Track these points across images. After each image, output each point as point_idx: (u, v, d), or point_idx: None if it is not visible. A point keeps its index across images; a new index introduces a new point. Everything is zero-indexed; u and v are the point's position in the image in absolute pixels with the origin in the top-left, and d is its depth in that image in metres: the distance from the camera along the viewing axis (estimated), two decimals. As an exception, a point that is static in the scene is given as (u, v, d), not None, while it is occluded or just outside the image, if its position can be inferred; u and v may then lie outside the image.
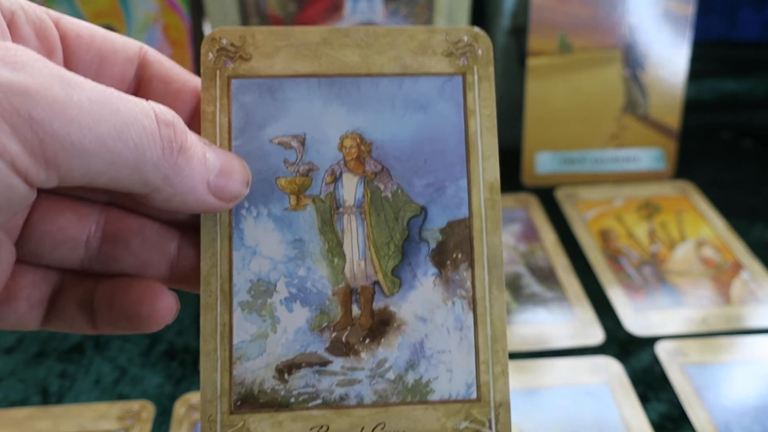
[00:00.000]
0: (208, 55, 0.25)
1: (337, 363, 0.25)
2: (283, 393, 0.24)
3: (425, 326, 0.25)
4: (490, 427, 0.25)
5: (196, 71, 0.27)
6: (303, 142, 0.25)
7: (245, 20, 0.61)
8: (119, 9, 0.60)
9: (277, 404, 0.24)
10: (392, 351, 0.25)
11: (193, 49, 0.62)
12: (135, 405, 0.44)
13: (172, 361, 0.48)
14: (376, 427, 0.25)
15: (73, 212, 0.24)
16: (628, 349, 0.48)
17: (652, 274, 0.56)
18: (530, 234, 0.60)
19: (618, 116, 0.67)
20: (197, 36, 0.63)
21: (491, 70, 0.26)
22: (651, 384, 0.46)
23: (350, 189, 0.25)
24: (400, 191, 0.25)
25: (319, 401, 0.24)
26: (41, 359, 0.48)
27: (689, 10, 0.64)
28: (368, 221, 0.25)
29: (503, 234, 0.60)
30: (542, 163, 0.67)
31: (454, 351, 0.25)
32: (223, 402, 0.24)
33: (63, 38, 0.23)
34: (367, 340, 0.25)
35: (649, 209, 0.64)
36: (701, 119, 0.77)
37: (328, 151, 0.25)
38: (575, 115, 0.66)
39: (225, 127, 0.25)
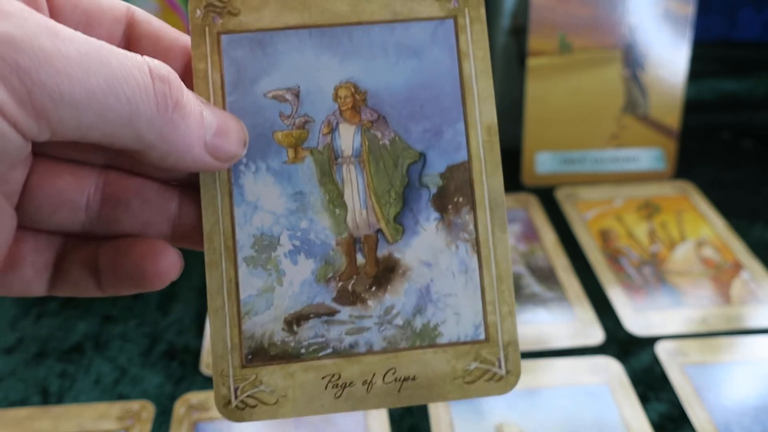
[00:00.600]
0: (195, 12, 0.25)
1: (345, 312, 0.25)
2: (293, 344, 0.24)
3: (430, 271, 0.25)
4: (499, 366, 0.25)
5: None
6: (297, 95, 0.25)
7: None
8: (119, 9, 0.60)
9: (288, 356, 0.24)
10: (399, 297, 0.25)
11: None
12: (135, 405, 0.44)
13: (172, 361, 0.48)
14: (386, 372, 0.25)
15: (70, 175, 0.24)
16: (628, 349, 0.48)
17: (652, 274, 0.56)
18: (530, 234, 0.60)
19: (618, 116, 0.67)
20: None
21: (482, 11, 0.25)
22: (651, 384, 0.46)
23: (347, 139, 0.25)
24: (397, 138, 0.25)
25: (329, 350, 0.25)
26: (41, 359, 0.48)
27: (689, 10, 0.64)
28: (367, 170, 0.25)
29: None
30: (542, 163, 0.67)
31: (460, 294, 0.25)
32: (234, 357, 0.24)
33: None
34: (373, 288, 0.25)
35: (649, 209, 0.64)
36: (701, 119, 0.77)
37: (323, 103, 0.25)
38: (575, 115, 0.66)
39: (218, 83, 0.24)
